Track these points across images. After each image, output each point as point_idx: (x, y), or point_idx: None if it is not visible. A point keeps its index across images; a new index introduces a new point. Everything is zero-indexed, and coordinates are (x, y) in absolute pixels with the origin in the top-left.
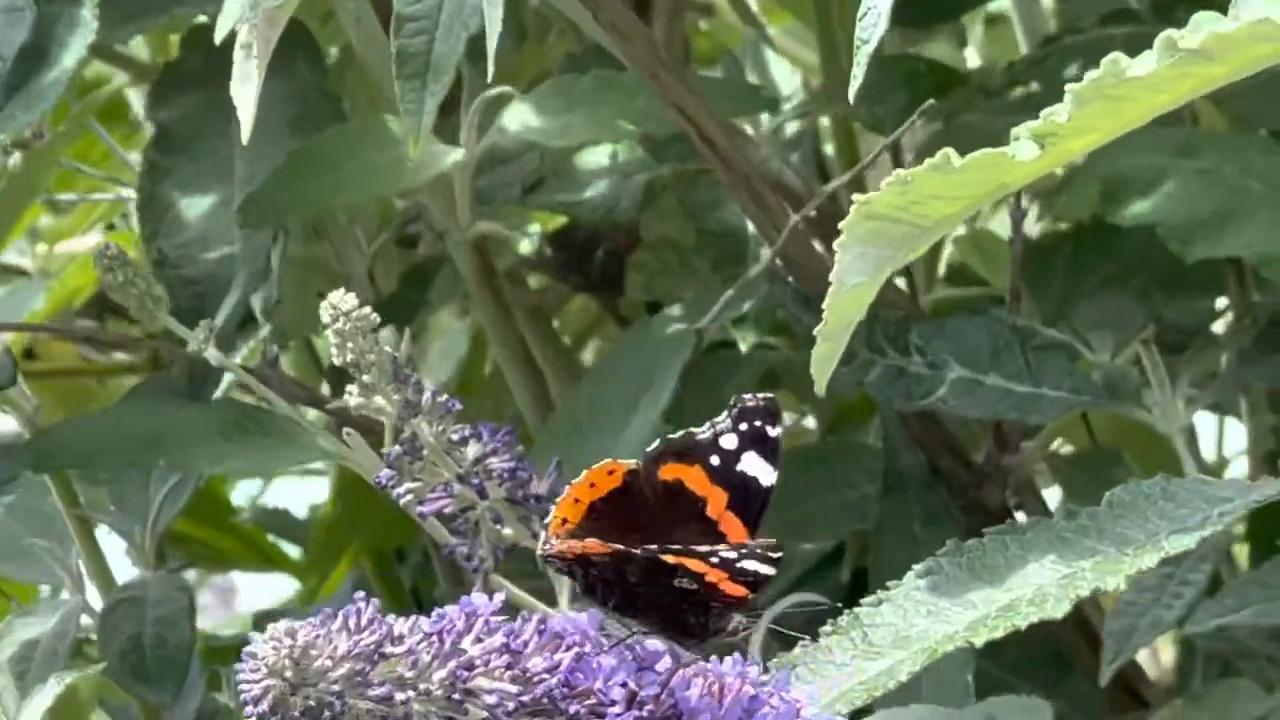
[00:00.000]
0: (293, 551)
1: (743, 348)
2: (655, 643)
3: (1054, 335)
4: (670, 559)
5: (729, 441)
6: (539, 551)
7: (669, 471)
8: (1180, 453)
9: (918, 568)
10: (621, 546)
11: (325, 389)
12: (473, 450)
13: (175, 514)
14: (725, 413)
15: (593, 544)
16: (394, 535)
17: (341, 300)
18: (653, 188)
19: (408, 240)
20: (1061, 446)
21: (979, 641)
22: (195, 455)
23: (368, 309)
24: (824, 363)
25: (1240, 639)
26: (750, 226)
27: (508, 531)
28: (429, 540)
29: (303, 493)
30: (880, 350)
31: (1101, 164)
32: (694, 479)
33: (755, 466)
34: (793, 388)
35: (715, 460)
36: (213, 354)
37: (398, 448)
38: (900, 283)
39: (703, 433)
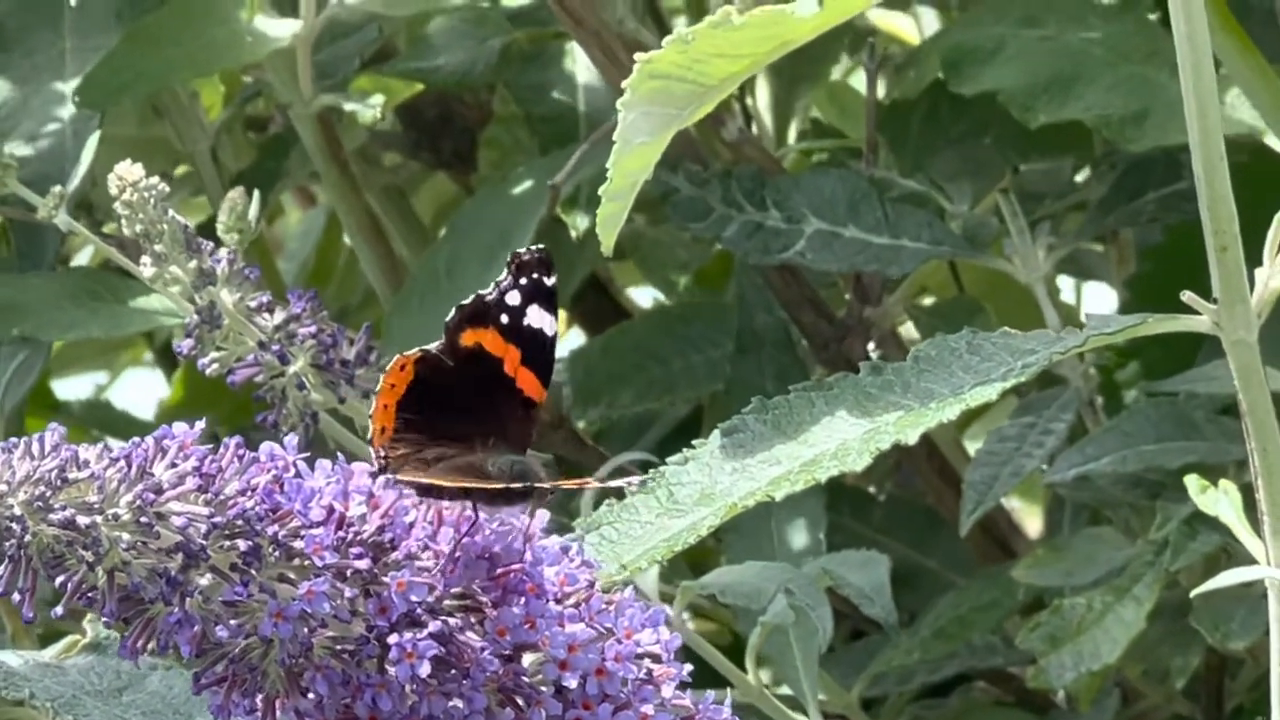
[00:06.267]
0: None
1: (573, 233)
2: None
3: (912, 186)
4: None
5: (513, 298)
6: (377, 469)
7: (469, 338)
8: (1041, 301)
9: (723, 426)
10: (427, 480)
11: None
12: (276, 317)
13: (25, 391)
14: (505, 269)
15: (408, 476)
16: (240, 417)
17: (128, 171)
18: (508, 52)
19: (257, 122)
20: (930, 299)
21: (779, 496)
22: (46, 322)
23: (155, 179)
24: (609, 222)
25: (1103, 487)
26: (580, 106)
27: (316, 397)
28: None
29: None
30: (737, 205)
31: (945, 37)
32: (490, 341)
33: (539, 318)
34: (641, 261)
35: (505, 319)
36: (63, 220)
37: (195, 316)
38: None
39: (489, 294)
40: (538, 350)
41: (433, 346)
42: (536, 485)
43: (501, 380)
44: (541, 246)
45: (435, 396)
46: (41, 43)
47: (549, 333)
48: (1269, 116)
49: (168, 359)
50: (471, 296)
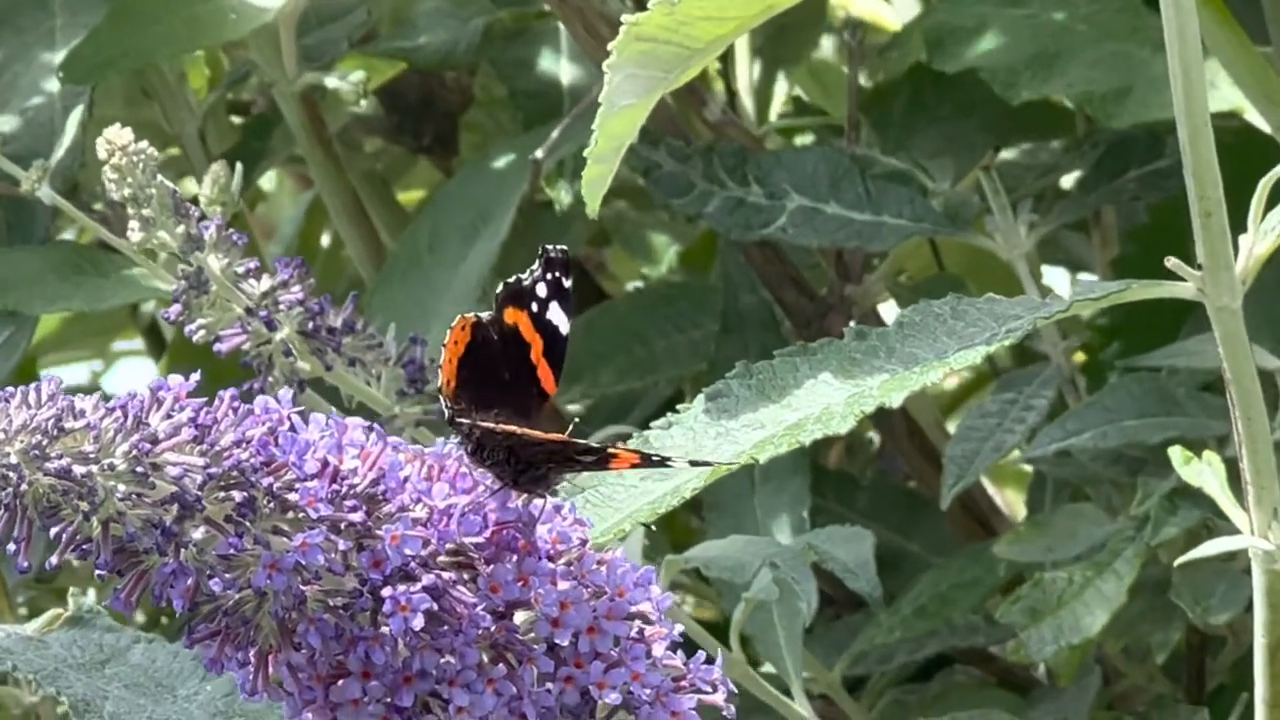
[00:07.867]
0: None
1: (557, 207)
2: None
3: (893, 163)
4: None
5: (542, 290)
6: (447, 418)
7: (510, 316)
8: (1022, 278)
9: (708, 390)
10: (517, 430)
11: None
12: (263, 284)
13: (11, 368)
14: (537, 260)
15: (503, 428)
16: None
17: (117, 135)
18: (491, 31)
19: (240, 107)
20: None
21: (763, 459)
22: (31, 296)
23: (145, 143)
24: (595, 185)
25: (1084, 463)
26: (564, 80)
27: (303, 365)
28: None
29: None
30: (719, 181)
31: (927, 17)
32: (525, 325)
33: (558, 316)
34: (624, 244)
35: (535, 307)
36: (45, 193)
37: (183, 282)
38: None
39: (526, 279)
40: (554, 347)
41: (485, 315)
42: (598, 445)
43: (528, 366)
44: (564, 248)
45: (481, 365)
46: (31, 20)
47: (563, 332)
48: (1250, 93)
49: (156, 343)
50: (514, 277)
